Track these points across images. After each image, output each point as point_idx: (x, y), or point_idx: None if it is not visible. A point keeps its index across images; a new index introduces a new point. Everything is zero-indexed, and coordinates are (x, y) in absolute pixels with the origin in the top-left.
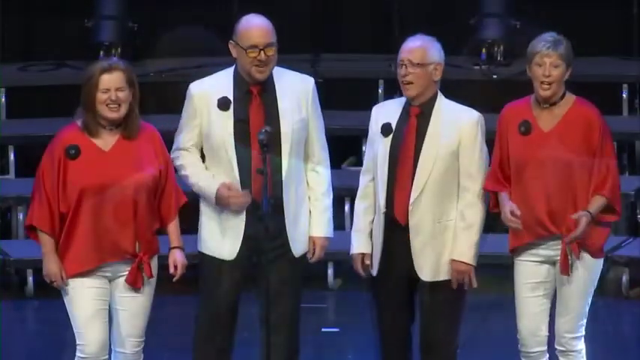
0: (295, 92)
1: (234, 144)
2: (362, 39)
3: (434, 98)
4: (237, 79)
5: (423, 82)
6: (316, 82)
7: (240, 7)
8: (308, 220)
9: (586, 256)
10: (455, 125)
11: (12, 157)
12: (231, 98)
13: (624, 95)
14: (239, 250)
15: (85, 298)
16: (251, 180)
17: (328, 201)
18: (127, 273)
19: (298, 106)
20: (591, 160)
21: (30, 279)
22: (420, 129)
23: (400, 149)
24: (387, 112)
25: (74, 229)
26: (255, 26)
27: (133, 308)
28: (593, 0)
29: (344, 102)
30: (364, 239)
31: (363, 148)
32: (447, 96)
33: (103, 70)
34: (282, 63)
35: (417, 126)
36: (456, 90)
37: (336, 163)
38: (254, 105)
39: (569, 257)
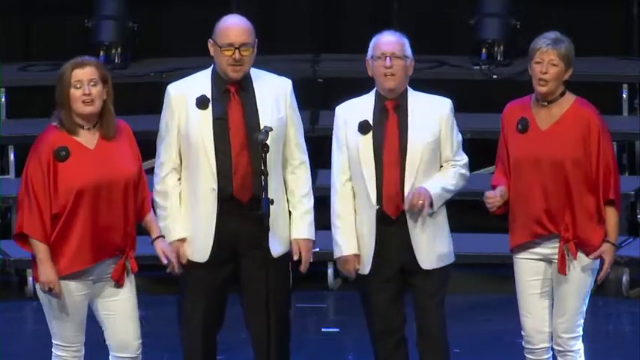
0: (273, 92)
1: (213, 142)
2: (362, 39)
3: (406, 92)
4: (215, 78)
5: (402, 75)
6: (316, 82)
7: (240, 7)
8: (287, 222)
9: (583, 256)
10: (434, 114)
11: (12, 157)
12: (210, 97)
13: (624, 95)
14: (211, 252)
15: (69, 305)
16: (231, 179)
17: (310, 203)
18: (109, 275)
19: (277, 106)
20: (588, 161)
21: (30, 279)
22: (400, 122)
23: (384, 144)
24: (356, 110)
25: (69, 229)
26: (232, 25)
27: (122, 311)
28: (593, 0)
29: (344, 102)
30: (352, 241)
31: None
32: (447, 95)
33: (75, 65)
34: (282, 63)
35: (397, 119)
36: (456, 90)
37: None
38: (232, 103)
39: (567, 257)
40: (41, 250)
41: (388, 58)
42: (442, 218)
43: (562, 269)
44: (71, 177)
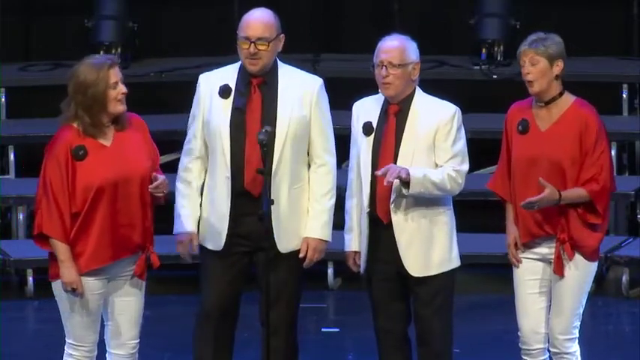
0: (299, 90)
1: (229, 132)
2: (362, 39)
3: (412, 95)
4: (242, 70)
5: (402, 82)
6: None
7: (241, 7)
8: (304, 221)
9: (579, 257)
10: (432, 120)
11: (12, 157)
12: (233, 87)
13: (624, 95)
14: (225, 242)
15: (84, 303)
16: (243, 170)
17: (328, 204)
18: (126, 274)
19: (299, 104)
20: (584, 162)
21: (30, 279)
22: (398, 127)
23: (380, 148)
24: (367, 109)
25: (88, 227)
26: (252, 18)
27: (129, 312)
28: (593, 0)
29: (344, 102)
30: (355, 237)
31: None
32: (447, 95)
33: (110, 66)
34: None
35: (396, 124)
36: (456, 90)
37: (336, 163)
38: (253, 96)
39: (563, 257)
40: (62, 250)
41: (384, 68)
42: (442, 224)
43: (559, 270)
44: (90, 175)
